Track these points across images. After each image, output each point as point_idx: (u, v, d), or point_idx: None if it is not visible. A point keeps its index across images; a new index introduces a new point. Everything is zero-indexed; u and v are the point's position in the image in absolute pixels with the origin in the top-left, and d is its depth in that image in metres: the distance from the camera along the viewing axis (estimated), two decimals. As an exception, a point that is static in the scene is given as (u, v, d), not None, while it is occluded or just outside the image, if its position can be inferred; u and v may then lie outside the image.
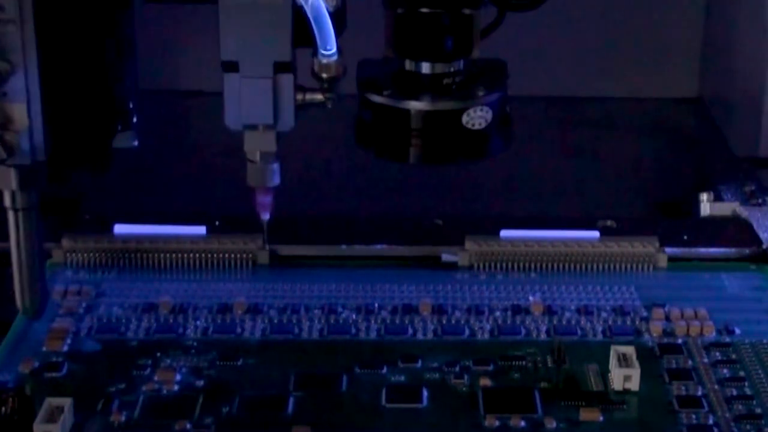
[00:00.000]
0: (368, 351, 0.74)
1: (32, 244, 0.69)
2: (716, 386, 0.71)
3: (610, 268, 0.83)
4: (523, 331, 0.77)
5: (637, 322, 0.77)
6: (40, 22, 0.63)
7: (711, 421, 0.68)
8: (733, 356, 0.74)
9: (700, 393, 0.70)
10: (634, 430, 0.67)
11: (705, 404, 0.69)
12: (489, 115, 0.74)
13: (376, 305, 0.79)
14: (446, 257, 0.85)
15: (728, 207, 0.91)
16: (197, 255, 0.83)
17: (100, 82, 0.69)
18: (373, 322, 0.78)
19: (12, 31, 0.62)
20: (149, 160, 1.09)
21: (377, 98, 0.75)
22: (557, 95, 1.18)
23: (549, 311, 0.79)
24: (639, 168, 1.11)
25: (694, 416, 0.68)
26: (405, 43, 0.75)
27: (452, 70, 0.75)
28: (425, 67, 0.76)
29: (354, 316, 0.78)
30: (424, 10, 0.74)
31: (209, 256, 0.83)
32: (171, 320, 0.77)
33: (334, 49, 0.67)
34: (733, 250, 0.86)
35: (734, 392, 0.70)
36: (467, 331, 0.77)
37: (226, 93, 0.67)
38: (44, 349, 0.74)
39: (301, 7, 0.65)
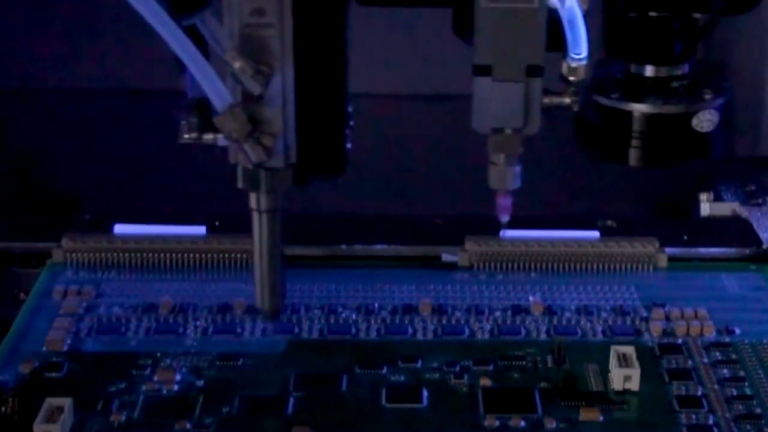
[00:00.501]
0: (368, 351, 0.74)
1: (274, 247, 0.69)
2: (716, 386, 0.71)
3: (610, 268, 0.83)
4: (523, 331, 0.77)
5: (637, 322, 0.77)
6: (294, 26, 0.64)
7: (711, 421, 0.68)
8: (733, 356, 0.74)
9: (700, 393, 0.70)
10: (634, 430, 0.67)
11: (705, 404, 0.69)
12: (716, 118, 0.75)
13: (376, 305, 0.79)
14: (446, 257, 0.85)
15: (728, 207, 0.91)
16: (197, 255, 0.83)
17: (337, 83, 0.69)
18: (373, 322, 0.78)
19: (272, 35, 0.63)
20: (149, 160, 1.10)
21: (605, 101, 0.76)
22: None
23: (549, 311, 0.79)
24: (639, 168, 1.11)
25: (694, 416, 0.68)
26: (634, 47, 0.76)
27: (679, 73, 0.76)
28: (651, 70, 0.76)
29: (354, 316, 0.78)
30: (654, 14, 0.75)
31: (209, 256, 0.83)
32: (171, 320, 0.77)
33: (585, 53, 0.66)
34: (733, 250, 0.86)
35: (734, 392, 0.70)
36: (467, 331, 0.77)
37: (475, 96, 0.67)
38: (44, 349, 0.74)
39: (555, 10, 0.65)
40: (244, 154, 0.64)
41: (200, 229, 0.84)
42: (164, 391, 0.70)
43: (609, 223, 0.87)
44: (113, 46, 1.16)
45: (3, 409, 0.67)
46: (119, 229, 0.84)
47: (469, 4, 0.66)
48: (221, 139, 0.65)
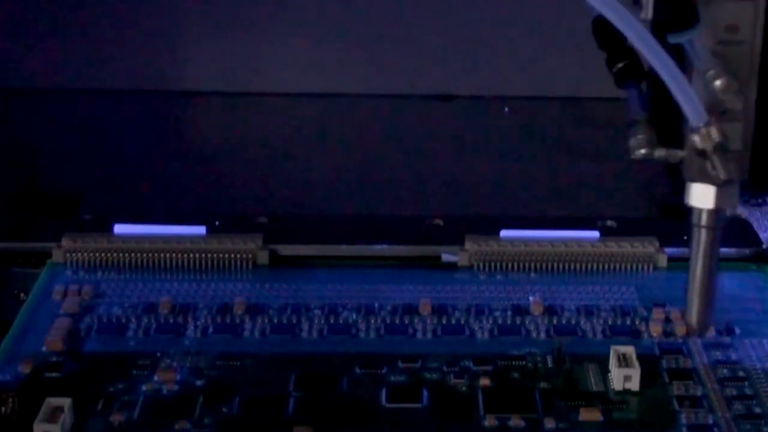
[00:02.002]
0: (368, 351, 0.74)
1: (711, 264, 0.68)
2: (716, 386, 0.71)
3: (610, 268, 0.83)
4: (523, 331, 0.77)
5: (637, 322, 0.77)
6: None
7: (711, 421, 0.68)
8: (733, 356, 0.74)
9: (700, 393, 0.70)
10: (634, 430, 0.67)
11: (705, 404, 0.69)
12: None
13: (376, 305, 0.79)
14: (446, 257, 0.85)
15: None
16: (197, 255, 0.83)
17: None
18: (373, 322, 0.78)
19: (743, 52, 0.64)
20: (149, 159, 1.10)
21: None
22: (557, 95, 1.18)
23: (549, 311, 0.78)
24: (639, 168, 1.11)
25: (694, 416, 0.68)
26: None
27: None
28: None
29: (354, 316, 0.78)
30: None
31: (209, 256, 0.83)
32: (171, 320, 0.77)
33: None
34: (733, 250, 0.86)
35: (734, 392, 0.70)
36: (467, 331, 0.77)
37: None
38: (44, 349, 0.74)
39: None
40: (712, 170, 0.64)
41: (200, 229, 0.84)
42: (164, 391, 0.70)
43: (609, 223, 0.87)
44: (113, 46, 1.16)
45: (3, 409, 0.67)
46: (119, 229, 0.84)
47: None
48: (672, 155, 0.65)
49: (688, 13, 0.62)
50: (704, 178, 0.66)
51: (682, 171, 0.66)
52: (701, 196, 0.67)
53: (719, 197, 0.67)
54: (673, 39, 0.63)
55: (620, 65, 0.67)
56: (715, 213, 0.67)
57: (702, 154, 0.64)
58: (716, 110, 0.63)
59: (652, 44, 0.61)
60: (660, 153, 0.66)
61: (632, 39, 0.62)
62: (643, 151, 0.66)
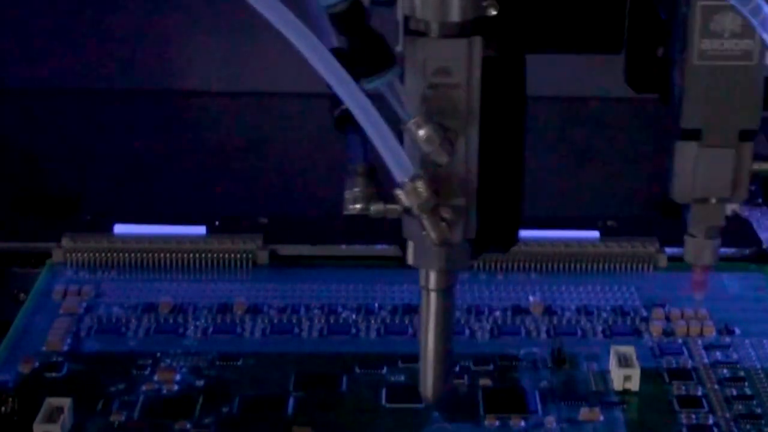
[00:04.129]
0: (368, 351, 0.74)
1: (442, 328, 0.62)
2: (716, 386, 0.71)
3: (610, 268, 0.83)
4: (523, 331, 0.77)
5: (637, 322, 0.77)
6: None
7: (711, 421, 0.68)
8: (733, 356, 0.74)
9: (700, 393, 0.70)
10: (634, 430, 0.67)
11: (705, 404, 0.69)
12: None
13: (376, 305, 0.79)
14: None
15: (728, 207, 0.91)
16: (197, 255, 0.83)
17: (518, 146, 0.62)
18: (373, 322, 0.78)
19: (459, 95, 0.57)
20: (149, 159, 1.09)
21: None
22: (558, 95, 1.18)
23: (549, 311, 0.78)
24: (639, 168, 1.11)
25: (694, 416, 0.68)
26: None
27: None
28: None
29: (354, 316, 0.78)
30: None
31: (209, 256, 0.83)
32: (171, 320, 0.77)
33: None
34: (733, 250, 0.86)
35: (734, 392, 0.70)
36: (467, 331, 0.77)
37: (677, 163, 0.61)
38: (44, 349, 0.74)
39: None
40: (423, 230, 0.58)
41: (200, 229, 0.84)
42: (164, 391, 0.70)
43: (609, 223, 0.87)
44: (113, 46, 1.16)
45: (3, 409, 0.67)
46: (119, 229, 0.84)
47: (645, 54, 0.60)
48: (391, 211, 0.59)
49: (381, 56, 0.55)
50: (421, 237, 0.58)
51: (402, 229, 0.60)
52: (424, 255, 0.60)
53: (446, 258, 0.60)
54: (367, 85, 0.56)
55: (341, 108, 0.61)
56: (446, 274, 0.61)
57: (411, 212, 0.57)
58: (431, 163, 0.57)
59: (349, 89, 0.55)
60: (377, 208, 0.59)
61: (331, 83, 0.55)
62: (358, 206, 0.59)
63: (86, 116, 1.15)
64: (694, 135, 0.60)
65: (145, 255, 0.83)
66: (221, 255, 0.83)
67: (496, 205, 0.61)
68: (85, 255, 0.84)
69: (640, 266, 0.83)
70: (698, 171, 0.60)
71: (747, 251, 0.86)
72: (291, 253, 0.85)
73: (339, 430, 0.67)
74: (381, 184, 0.59)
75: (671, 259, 0.84)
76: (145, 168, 1.08)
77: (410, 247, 0.61)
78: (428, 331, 0.62)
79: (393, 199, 0.57)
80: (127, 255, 0.83)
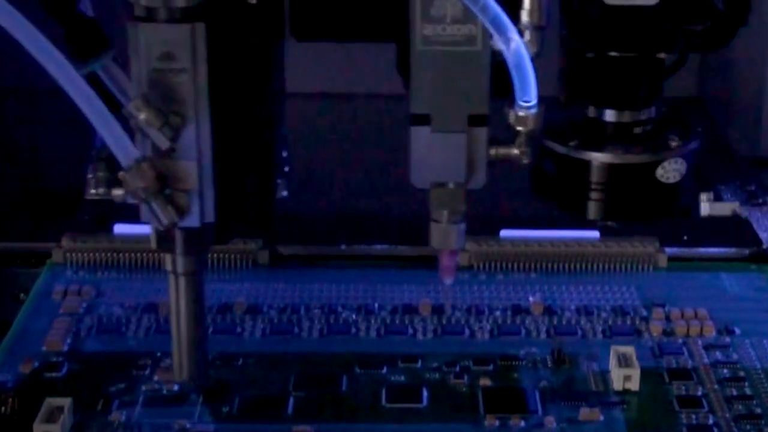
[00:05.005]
0: (368, 351, 0.74)
1: (194, 312, 0.64)
2: (716, 386, 0.71)
3: (610, 268, 0.83)
4: (523, 331, 0.77)
5: (637, 322, 0.77)
6: (210, 71, 0.59)
7: (711, 421, 0.68)
8: (734, 356, 0.74)
9: (700, 393, 0.70)
10: (634, 430, 0.67)
11: (705, 404, 0.69)
12: (683, 168, 0.69)
13: (376, 305, 0.79)
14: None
15: (728, 207, 0.91)
16: (197, 255, 0.83)
17: (264, 129, 0.63)
18: (373, 322, 0.78)
19: (184, 81, 0.58)
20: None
21: (561, 149, 0.70)
22: (558, 95, 1.18)
23: (549, 311, 0.79)
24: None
25: (694, 416, 0.68)
26: (594, 89, 0.70)
27: (643, 118, 0.70)
28: (612, 115, 0.70)
29: (354, 316, 0.78)
30: (616, 54, 0.68)
31: (209, 256, 0.83)
32: (171, 320, 0.77)
33: (534, 101, 0.60)
34: (733, 250, 0.86)
35: (734, 392, 0.70)
36: (467, 331, 0.77)
37: (412, 148, 0.62)
38: (44, 349, 0.74)
39: (500, 53, 0.59)
40: (152, 214, 0.59)
41: (200, 229, 0.84)
42: (164, 391, 0.70)
43: (609, 223, 0.87)
44: (113, 47, 1.16)
45: (3, 409, 0.67)
46: (119, 229, 0.84)
47: (407, 41, 0.60)
48: (131, 196, 0.59)
49: (92, 41, 0.57)
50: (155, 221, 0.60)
51: (140, 213, 0.61)
52: (164, 241, 0.61)
53: (184, 242, 0.61)
54: (81, 69, 0.57)
55: None
56: (192, 257, 0.62)
57: (138, 196, 0.58)
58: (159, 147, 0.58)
59: (69, 75, 0.56)
60: (118, 193, 0.60)
61: (50, 71, 0.56)
62: (100, 190, 0.61)
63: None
64: (424, 120, 0.61)
65: (145, 255, 0.83)
66: (221, 255, 0.83)
67: (243, 189, 0.62)
68: (85, 255, 0.84)
69: (640, 266, 0.83)
70: (431, 156, 0.61)
71: (747, 251, 0.86)
72: (291, 253, 0.85)
73: (339, 430, 0.67)
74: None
75: (671, 259, 0.84)
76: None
77: (151, 231, 0.62)
78: (180, 315, 0.65)
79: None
80: (127, 255, 0.83)
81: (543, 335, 0.76)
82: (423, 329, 0.77)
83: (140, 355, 0.73)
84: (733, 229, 0.89)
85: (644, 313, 0.78)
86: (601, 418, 0.68)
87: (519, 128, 0.62)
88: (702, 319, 0.77)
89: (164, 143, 0.58)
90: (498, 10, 0.58)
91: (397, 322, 0.78)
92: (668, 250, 0.84)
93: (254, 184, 0.63)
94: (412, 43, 0.59)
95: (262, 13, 0.61)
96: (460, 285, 0.82)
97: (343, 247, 0.86)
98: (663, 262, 0.84)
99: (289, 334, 0.76)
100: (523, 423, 0.67)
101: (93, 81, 0.59)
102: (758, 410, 0.69)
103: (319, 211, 0.95)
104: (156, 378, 0.71)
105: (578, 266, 0.83)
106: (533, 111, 0.61)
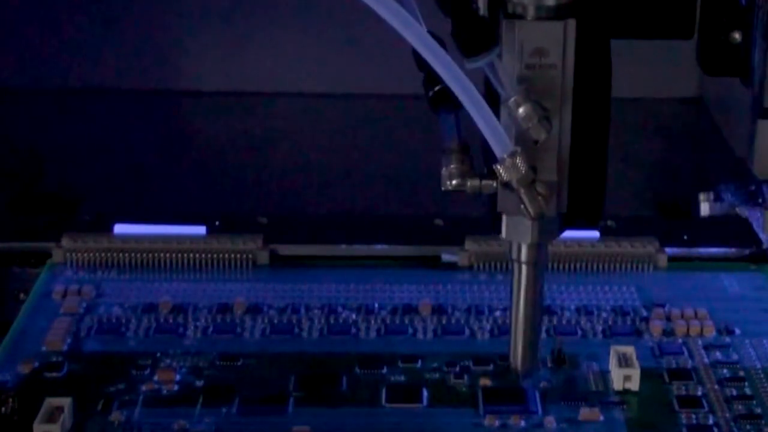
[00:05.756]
0: (368, 351, 0.74)
1: (535, 302, 0.64)
2: (716, 386, 0.71)
3: (610, 268, 0.83)
4: (523, 331, 0.76)
5: (637, 322, 0.77)
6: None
7: (711, 421, 0.68)
8: (733, 356, 0.74)
9: (700, 393, 0.70)
10: (634, 430, 0.67)
11: (705, 404, 0.69)
12: None
13: (376, 305, 0.79)
14: (446, 257, 0.85)
15: (728, 207, 0.91)
16: (197, 255, 0.83)
17: (605, 125, 0.63)
18: (373, 322, 0.78)
19: (554, 76, 0.59)
20: (149, 159, 1.10)
21: None
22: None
23: (549, 311, 0.78)
24: (639, 168, 1.11)
25: (694, 416, 0.68)
26: None
27: None
28: None
29: (354, 316, 0.78)
30: None
31: (209, 256, 0.83)
32: (171, 320, 0.77)
33: None
34: (733, 250, 0.86)
35: (734, 392, 0.70)
36: (467, 331, 0.77)
37: (759, 140, 0.64)
38: (44, 349, 0.74)
39: None
40: (521, 204, 0.60)
41: (200, 229, 0.84)
42: (164, 391, 0.70)
43: (609, 223, 0.87)
44: (114, 46, 1.16)
45: (3, 409, 0.67)
46: (119, 229, 0.84)
47: (719, 39, 0.61)
48: (486, 186, 0.61)
49: (483, 37, 0.58)
50: (517, 211, 0.60)
51: (497, 203, 0.61)
52: (517, 229, 0.62)
53: (538, 231, 0.62)
54: (470, 64, 0.58)
55: (435, 89, 0.63)
56: (536, 247, 0.63)
57: (509, 186, 0.59)
58: (527, 140, 0.59)
59: (450, 69, 0.57)
60: (473, 184, 0.61)
61: (432, 63, 0.57)
62: (455, 181, 0.61)
63: (86, 116, 1.15)
64: None
65: (145, 255, 0.83)
66: (221, 255, 0.83)
67: (584, 181, 0.63)
68: (85, 255, 0.83)
69: (639, 266, 0.83)
70: None
71: (747, 251, 0.86)
72: (291, 253, 0.85)
73: (339, 430, 0.67)
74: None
75: (671, 259, 0.84)
76: (145, 168, 1.08)
77: (504, 221, 0.62)
78: (519, 304, 0.64)
79: (486, 176, 0.60)
80: (127, 255, 0.83)
81: (543, 335, 0.76)
82: (423, 329, 0.77)
83: (140, 355, 0.73)
84: (733, 229, 0.89)
85: (644, 313, 0.78)
86: (601, 418, 0.68)
87: None
88: (702, 319, 0.77)
89: (542, 135, 0.59)
90: None
91: (397, 322, 0.78)
92: (668, 250, 0.84)
93: (594, 177, 0.64)
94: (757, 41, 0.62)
95: (608, 10, 0.62)
96: (460, 285, 0.82)
97: (343, 247, 0.86)
98: (663, 262, 0.84)
99: (289, 334, 0.76)
100: (523, 423, 0.67)
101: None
102: (758, 410, 0.69)
103: (319, 211, 0.95)
104: (156, 378, 0.71)
105: (578, 266, 0.83)
106: None
